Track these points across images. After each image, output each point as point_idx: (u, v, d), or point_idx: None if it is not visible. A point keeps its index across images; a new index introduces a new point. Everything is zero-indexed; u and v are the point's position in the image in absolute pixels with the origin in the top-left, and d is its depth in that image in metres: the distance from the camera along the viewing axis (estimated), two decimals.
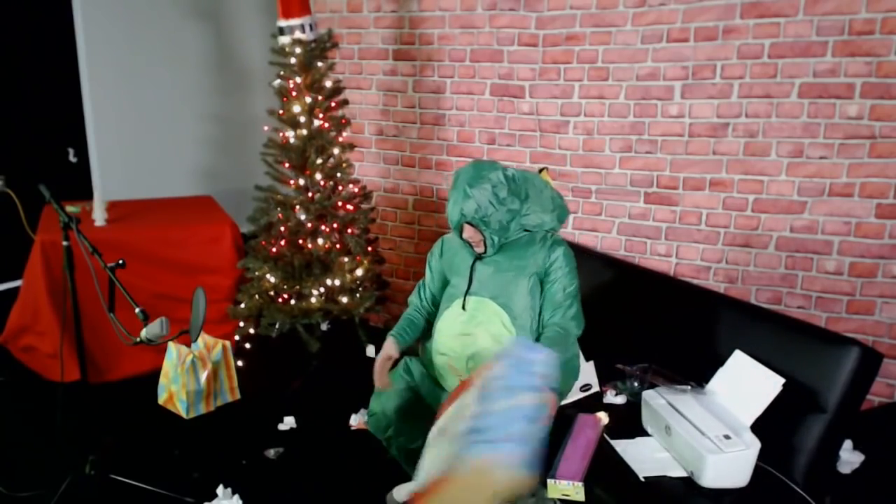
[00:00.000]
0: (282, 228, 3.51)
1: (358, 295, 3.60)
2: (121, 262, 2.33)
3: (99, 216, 3.73)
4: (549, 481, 2.10)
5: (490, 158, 3.01)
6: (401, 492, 2.69)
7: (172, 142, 5.32)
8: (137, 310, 2.22)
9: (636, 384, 2.54)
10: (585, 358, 2.88)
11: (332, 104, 3.51)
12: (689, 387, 2.37)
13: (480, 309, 2.45)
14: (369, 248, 3.68)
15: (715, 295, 2.81)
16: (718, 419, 2.15)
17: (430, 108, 3.80)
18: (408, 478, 2.69)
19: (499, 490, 1.84)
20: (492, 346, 2.39)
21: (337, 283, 3.51)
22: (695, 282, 3.11)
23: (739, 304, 2.69)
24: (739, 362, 2.31)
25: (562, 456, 2.19)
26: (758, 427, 2.13)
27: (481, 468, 1.82)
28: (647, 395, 2.36)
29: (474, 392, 1.99)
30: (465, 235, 2.43)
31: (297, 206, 3.46)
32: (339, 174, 3.56)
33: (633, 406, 2.52)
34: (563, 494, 2.09)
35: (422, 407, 2.52)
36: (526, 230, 2.48)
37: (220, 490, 2.63)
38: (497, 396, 1.92)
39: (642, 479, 2.10)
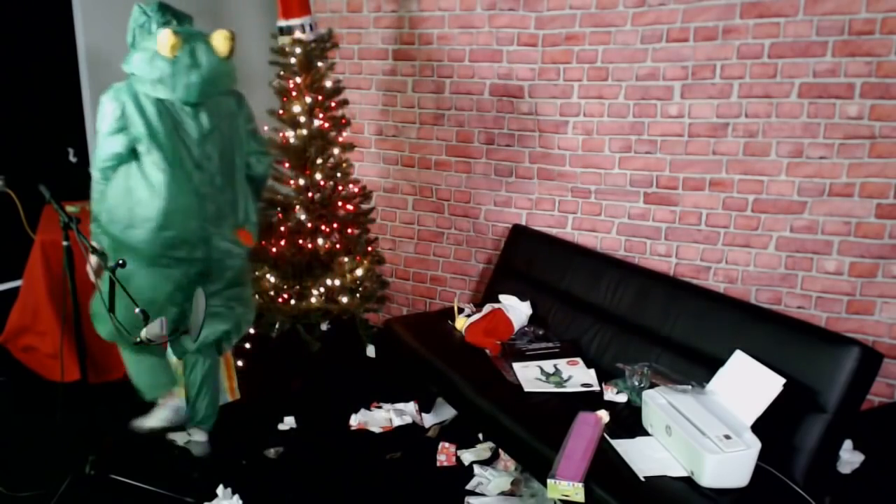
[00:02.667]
0: (282, 228, 3.51)
1: (358, 295, 3.60)
2: (121, 261, 2.33)
3: None
4: (550, 481, 2.10)
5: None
6: (146, 421, 2.73)
7: None
8: (137, 310, 2.22)
9: (636, 383, 2.54)
10: (586, 362, 2.88)
11: (332, 104, 3.51)
12: (690, 387, 2.37)
13: None
14: (369, 248, 3.68)
15: (715, 295, 2.81)
16: (719, 419, 2.15)
17: (429, 107, 3.80)
18: None
19: None
20: None
21: (337, 283, 3.51)
22: (695, 282, 3.11)
23: (739, 304, 2.69)
24: (740, 362, 2.31)
25: (562, 455, 2.19)
26: (758, 427, 2.13)
27: None
28: (648, 394, 2.36)
29: None
30: None
31: (297, 206, 3.46)
32: (339, 174, 3.56)
33: (633, 406, 2.52)
34: (564, 495, 2.09)
35: None
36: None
37: (220, 490, 2.63)
38: None
39: (642, 479, 2.10)
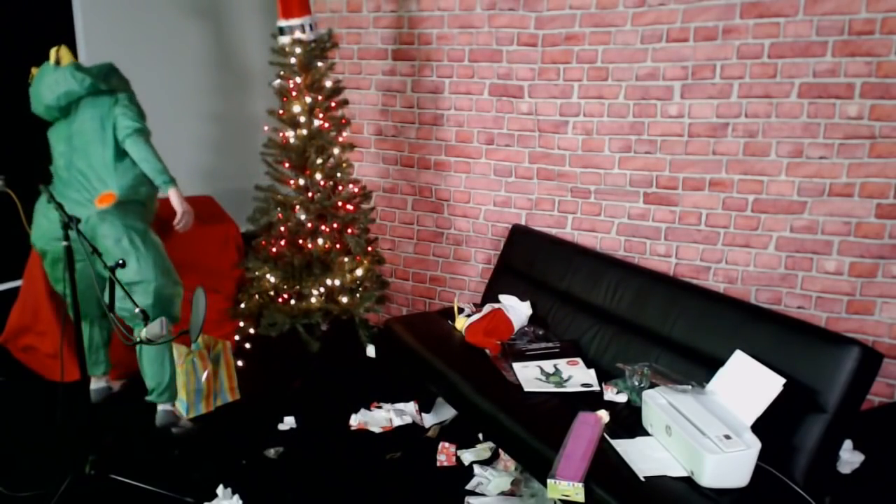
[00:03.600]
0: (282, 228, 3.51)
1: (358, 295, 3.60)
2: (121, 261, 2.33)
3: None
4: (550, 481, 2.10)
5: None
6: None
7: (172, 142, 5.29)
8: (137, 310, 2.22)
9: (636, 383, 2.54)
10: (586, 362, 2.88)
11: (332, 104, 3.51)
12: (690, 387, 2.37)
13: None
14: (369, 248, 3.68)
15: (715, 295, 2.81)
16: (719, 419, 2.15)
17: (428, 108, 3.80)
18: None
19: None
20: None
21: (337, 283, 3.51)
22: (695, 282, 3.11)
23: (739, 304, 2.69)
24: (739, 362, 2.31)
25: (562, 455, 2.19)
26: (758, 427, 2.13)
27: None
28: (648, 394, 2.36)
29: None
30: None
31: (297, 206, 3.46)
32: (339, 174, 3.56)
33: (633, 406, 2.52)
34: (564, 495, 2.09)
35: None
36: None
37: (220, 490, 2.63)
38: None
39: (642, 479, 2.10)
